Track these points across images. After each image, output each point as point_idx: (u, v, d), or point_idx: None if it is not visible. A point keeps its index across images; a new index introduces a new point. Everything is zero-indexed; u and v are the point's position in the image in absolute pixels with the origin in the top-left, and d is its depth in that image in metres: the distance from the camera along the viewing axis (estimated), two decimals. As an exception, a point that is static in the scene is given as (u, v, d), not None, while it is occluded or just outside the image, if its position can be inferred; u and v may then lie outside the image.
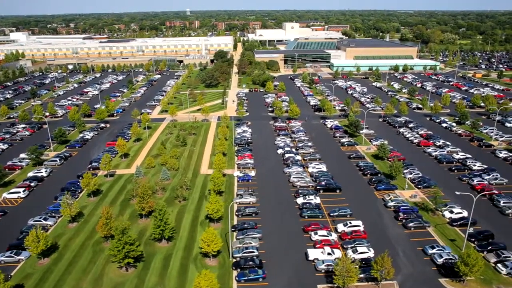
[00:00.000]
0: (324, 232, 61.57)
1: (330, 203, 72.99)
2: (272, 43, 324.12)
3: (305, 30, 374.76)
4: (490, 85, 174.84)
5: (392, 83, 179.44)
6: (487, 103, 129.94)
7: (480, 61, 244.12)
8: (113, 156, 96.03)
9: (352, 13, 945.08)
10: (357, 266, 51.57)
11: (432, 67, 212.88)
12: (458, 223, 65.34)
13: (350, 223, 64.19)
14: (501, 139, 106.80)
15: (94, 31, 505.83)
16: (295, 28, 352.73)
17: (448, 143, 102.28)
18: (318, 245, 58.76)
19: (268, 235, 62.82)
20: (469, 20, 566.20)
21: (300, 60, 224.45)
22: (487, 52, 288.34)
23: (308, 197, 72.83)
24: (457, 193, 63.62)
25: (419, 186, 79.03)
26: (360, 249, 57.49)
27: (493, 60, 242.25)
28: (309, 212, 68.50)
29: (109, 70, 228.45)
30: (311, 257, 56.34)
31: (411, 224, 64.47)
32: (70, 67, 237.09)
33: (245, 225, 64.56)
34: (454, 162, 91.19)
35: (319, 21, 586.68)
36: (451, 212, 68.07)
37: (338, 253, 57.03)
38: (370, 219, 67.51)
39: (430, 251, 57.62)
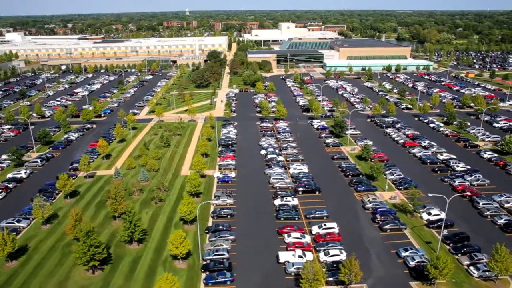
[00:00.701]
0: (297, 235, 60.82)
1: (309, 205, 72.15)
2: (267, 43, 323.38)
3: (301, 30, 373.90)
4: (482, 85, 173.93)
5: (383, 83, 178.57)
6: (476, 103, 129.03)
7: (474, 61, 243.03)
8: (95, 157, 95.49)
9: (351, 13, 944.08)
10: (324, 269, 50.93)
11: (425, 67, 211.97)
12: (435, 225, 64.58)
13: (325, 225, 63.43)
14: (487, 139, 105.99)
15: (91, 31, 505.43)
16: (291, 28, 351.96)
17: (433, 143, 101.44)
18: (290, 248, 58.04)
19: (242, 237, 62.06)
20: (467, 20, 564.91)
21: (293, 60, 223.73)
22: (482, 52, 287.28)
23: (286, 198, 72.10)
24: (430, 195, 62.89)
25: (400, 187, 78.24)
26: (332, 251, 56.73)
27: (487, 60, 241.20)
28: (285, 214, 67.73)
29: (102, 71, 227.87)
30: (281, 260, 55.59)
31: (387, 226, 63.69)
32: (63, 67, 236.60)
33: (219, 227, 63.95)
34: (438, 163, 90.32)
35: (317, 21, 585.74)
36: (429, 214, 67.30)
37: (309, 255, 56.27)
38: (347, 221, 66.73)
39: (403, 254, 56.88)
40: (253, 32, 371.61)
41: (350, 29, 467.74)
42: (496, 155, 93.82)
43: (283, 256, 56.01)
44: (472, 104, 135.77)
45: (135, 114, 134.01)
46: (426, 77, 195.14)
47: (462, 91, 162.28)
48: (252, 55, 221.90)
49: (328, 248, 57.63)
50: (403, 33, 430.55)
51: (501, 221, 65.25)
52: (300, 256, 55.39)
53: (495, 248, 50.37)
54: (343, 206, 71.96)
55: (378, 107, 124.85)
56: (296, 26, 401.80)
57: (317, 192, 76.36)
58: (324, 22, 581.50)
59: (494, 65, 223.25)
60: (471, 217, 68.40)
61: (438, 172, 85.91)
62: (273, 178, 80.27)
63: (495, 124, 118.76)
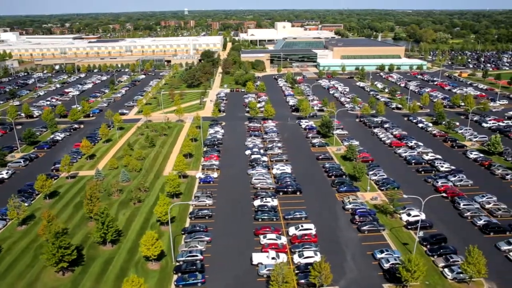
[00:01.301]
0: (273, 236, 60.26)
1: (289, 206, 71.62)
2: (263, 43, 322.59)
3: (297, 29, 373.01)
4: (475, 84, 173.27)
5: (376, 82, 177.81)
6: (466, 103, 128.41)
7: (469, 60, 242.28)
8: (79, 157, 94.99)
9: (350, 12, 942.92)
10: (297, 271, 50.38)
11: (419, 66, 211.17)
12: (414, 226, 63.96)
13: (302, 226, 62.90)
14: (475, 139, 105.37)
15: (88, 31, 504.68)
16: (287, 28, 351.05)
17: (420, 143, 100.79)
18: (264, 249, 57.49)
19: (218, 238, 61.55)
20: (465, 19, 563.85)
21: (287, 59, 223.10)
22: (478, 52, 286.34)
23: (265, 199, 71.54)
24: (405, 196, 62.33)
25: (382, 188, 77.65)
26: (306, 253, 56.14)
27: (482, 59, 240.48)
28: (263, 214, 67.19)
29: (95, 70, 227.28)
30: (255, 262, 55.05)
31: (365, 228, 63.11)
32: (57, 67, 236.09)
33: (196, 228, 63.43)
34: (423, 163, 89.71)
35: (314, 21, 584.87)
36: (408, 215, 66.69)
37: (283, 257, 55.76)
38: (325, 222, 66.16)
39: (379, 256, 56.31)
40: (249, 31, 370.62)
41: (347, 29, 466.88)
42: (482, 155, 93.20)
43: (257, 257, 55.48)
44: (462, 104, 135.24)
45: (123, 114, 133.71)
46: (419, 76, 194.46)
47: (454, 90, 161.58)
48: (246, 55, 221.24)
49: (303, 249, 57.08)
50: (400, 32, 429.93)
51: (480, 222, 64.61)
52: (273, 258, 54.80)
53: (467, 250, 49.86)
54: (324, 207, 71.37)
55: (367, 107, 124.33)
56: (293, 26, 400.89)
57: (298, 193, 75.83)
58: (321, 21, 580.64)
59: (488, 65, 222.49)
60: (452, 218, 67.76)
61: (422, 172, 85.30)
62: (255, 179, 79.70)
63: (484, 124, 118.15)
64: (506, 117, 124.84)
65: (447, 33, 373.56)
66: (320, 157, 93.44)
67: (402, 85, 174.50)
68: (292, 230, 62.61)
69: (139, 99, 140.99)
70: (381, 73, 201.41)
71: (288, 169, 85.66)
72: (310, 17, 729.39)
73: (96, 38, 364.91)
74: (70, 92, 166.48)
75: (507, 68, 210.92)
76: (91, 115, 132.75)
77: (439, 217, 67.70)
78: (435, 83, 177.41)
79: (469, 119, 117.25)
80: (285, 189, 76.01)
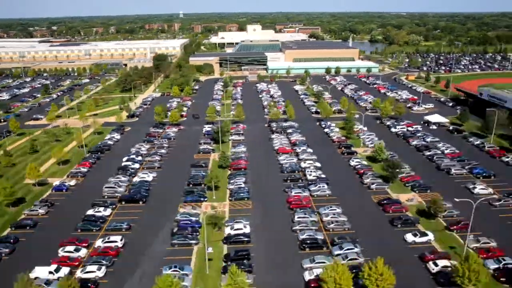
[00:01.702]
0: (71, 248, 57.67)
1: (126, 216, 69.00)
2: (230, 46, 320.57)
3: (268, 32, 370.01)
4: (414, 87, 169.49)
5: (313, 86, 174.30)
6: (383, 107, 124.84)
7: (427, 62, 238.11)
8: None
9: (342, 15, 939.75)
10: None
11: (368, 69, 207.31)
12: (231, 240, 60.94)
13: (109, 238, 60.23)
14: (371, 145, 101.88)
15: (70, 34, 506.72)
16: (257, 30, 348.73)
17: (310, 150, 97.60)
18: (52, 262, 54.93)
19: (24, 249, 59.09)
20: (453, 22, 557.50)
21: (240, 62, 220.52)
22: (442, 54, 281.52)
23: (97, 209, 69.01)
24: (222, 216, 59.30)
25: (230, 198, 74.68)
26: (89, 268, 53.43)
27: (441, 62, 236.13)
28: (85, 225, 64.63)
29: (45, 74, 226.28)
30: (33, 276, 52.28)
31: (175, 241, 60.24)
32: (7, 72, 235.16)
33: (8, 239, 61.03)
34: (297, 171, 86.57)
35: (298, 23, 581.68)
36: (232, 228, 63.64)
37: (65, 271, 53.13)
38: (147, 234, 63.36)
39: (164, 272, 53.22)
40: (219, 34, 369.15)
41: (326, 31, 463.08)
42: (364, 163, 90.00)
43: (38, 271, 52.86)
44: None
45: (38, 119, 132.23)
46: (363, 79, 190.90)
47: (388, 94, 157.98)
48: (195, 58, 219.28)
49: (88, 264, 54.36)
50: (376, 34, 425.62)
51: (302, 237, 61.31)
52: (50, 272, 52.23)
53: (230, 272, 46.77)
54: (158, 218, 68.45)
55: (277, 112, 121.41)
56: (263, 29, 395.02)
57: (141, 202, 73.18)
58: (306, 24, 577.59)
59: (443, 67, 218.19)
60: (282, 232, 64.40)
61: (288, 181, 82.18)
62: (105, 187, 77.23)
63: (393, 129, 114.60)
64: (422, 122, 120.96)
65: (422, 35, 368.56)
66: (196, 164, 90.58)
67: (339, 88, 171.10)
68: (98, 242, 60.00)
69: (53, 104, 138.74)
70: (327, 76, 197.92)
71: (149, 177, 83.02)
72: (299, 20, 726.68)
73: (60, 41, 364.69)
74: (1, 97, 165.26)
75: (459, 71, 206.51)
76: (2, 120, 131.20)
77: (273, 231, 64.53)
78: (375, 86, 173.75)
79: (383, 123, 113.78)
80: (130, 198, 73.48)
